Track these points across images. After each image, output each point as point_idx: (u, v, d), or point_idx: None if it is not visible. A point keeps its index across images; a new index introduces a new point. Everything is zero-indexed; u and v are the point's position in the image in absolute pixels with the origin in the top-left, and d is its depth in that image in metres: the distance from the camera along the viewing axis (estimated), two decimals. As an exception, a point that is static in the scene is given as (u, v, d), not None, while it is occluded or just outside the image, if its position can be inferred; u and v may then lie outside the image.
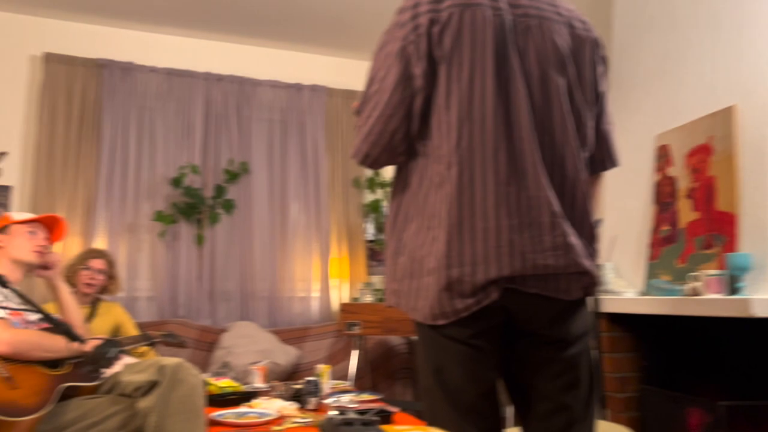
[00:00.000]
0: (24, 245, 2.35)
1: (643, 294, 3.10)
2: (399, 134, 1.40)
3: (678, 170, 3.06)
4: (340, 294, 4.71)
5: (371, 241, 4.93)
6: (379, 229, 4.94)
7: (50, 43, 4.34)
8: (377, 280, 4.88)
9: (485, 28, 1.35)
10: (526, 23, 1.39)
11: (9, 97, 4.26)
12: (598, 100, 1.51)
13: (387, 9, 4.19)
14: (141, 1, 4.12)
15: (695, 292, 2.60)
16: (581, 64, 1.45)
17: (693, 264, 2.84)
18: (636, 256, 3.27)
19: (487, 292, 1.33)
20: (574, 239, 1.37)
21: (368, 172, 4.96)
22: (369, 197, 4.99)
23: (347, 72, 5.03)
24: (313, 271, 4.67)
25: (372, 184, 4.92)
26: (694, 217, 2.92)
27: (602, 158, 1.55)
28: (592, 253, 1.44)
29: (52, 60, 4.24)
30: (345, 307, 3.70)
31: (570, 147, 1.40)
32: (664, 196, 3.12)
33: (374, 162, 1.46)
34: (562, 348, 1.41)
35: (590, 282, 1.42)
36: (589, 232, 1.44)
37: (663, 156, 3.17)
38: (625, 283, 3.20)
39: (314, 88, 4.83)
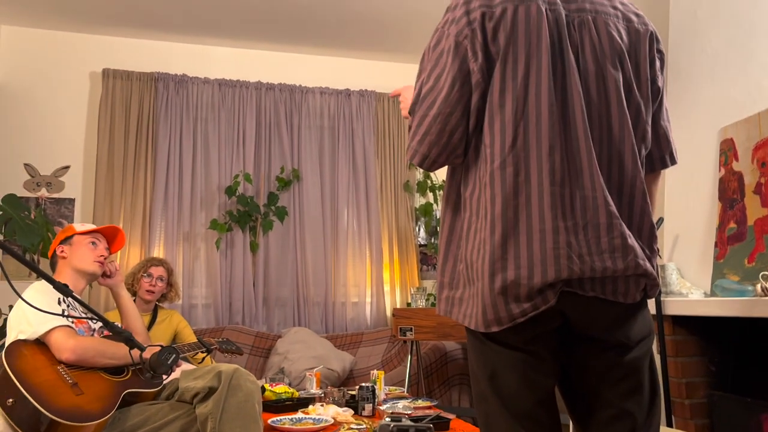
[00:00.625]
0: (86, 255, 2.42)
1: (710, 295, 2.96)
2: (458, 133, 1.36)
3: (744, 165, 2.91)
4: (392, 299, 4.70)
5: (423, 245, 4.90)
6: (431, 232, 4.90)
7: (108, 60, 4.49)
8: (430, 285, 4.84)
9: (539, 24, 1.31)
10: (582, 18, 1.36)
11: (71, 113, 4.42)
12: (656, 96, 1.45)
13: (432, 11, 4.16)
14: (191, 15, 4.21)
15: (766, 293, 2.46)
16: (639, 58, 1.40)
17: (763, 263, 2.70)
18: (701, 255, 3.13)
19: (545, 296, 1.28)
20: (632, 240, 1.32)
21: (419, 176, 4.94)
22: (420, 201, 4.96)
23: (395, 76, 5.02)
24: (365, 276, 4.67)
25: (423, 188, 4.90)
26: (763, 213, 2.77)
27: (661, 155, 1.50)
28: (652, 254, 1.38)
29: (109, 75, 4.38)
30: (398, 312, 3.68)
31: (629, 144, 1.35)
32: (730, 192, 2.98)
33: (433, 163, 1.41)
34: (622, 352, 1.35)
35: (650, 284, 1.36)
36: (648, 232, 1.38)
37: (727, 150, 3.03)
38: (689, 284, 3.07)
39: (362, 93, 4.85)
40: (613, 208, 1.31)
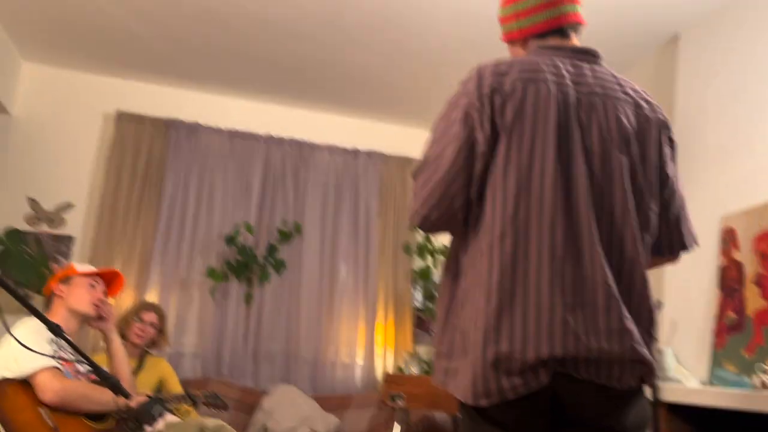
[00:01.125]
0: (84, 297, 2.41)
1: (708, 384, 2.92)
2: (459, 199, 1.37)
3: (745, 255, 2.93)
4: (384, 362, 4.62)
5: (419, 309, 4.85)
6: (428, 296, 4.87)
7: (123, 102, 4.57)
8: (423, 351, 4.77)
9: (548, 102, 1.34)
10: (591, 100, 1.39)
11: (81, 151, 4.47)
12: (666, 183, 1.47)
13: (443, 79, 4.27)
14: (208, 66, 4.32)
15: (765, 386, 2.43)
16: (646, 144, 1.42)
17: (762, 356, 2.67)
18: (699, 342, 3.11)
19: (537, 374, 1.27)
20: (630, 324, 1.31)
21: (419, 238, 4.94)
22: (419, 263, 4.95)
23: (403, 139, 5.10)
24: (358, 336, 4.61)
25: (422, 251, 4.89)
26: (762, 305, 2.76)
27: (670, 244, 1.50)
28: (650, 340, 1.37)
29: (123, 118, 4.45)
30: (389, 378, 3.61)
31: (630, 228, 1.36)
32: (730, 281, 2.98)
33: (432, 226, 1.43)
34: None
35: (646, 371, 1.34)
36: (647, 317, 1.37)
37: (729, 239, 3.05)
38: (687, 371, 3.03)
39: (370, 154, 4.91)
40: (614, 289, 1.30)
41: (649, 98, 1.50)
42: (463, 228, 1.42)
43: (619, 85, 1.45)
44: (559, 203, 1.30)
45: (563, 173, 1.32)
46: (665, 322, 3.34)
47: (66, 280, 2.44)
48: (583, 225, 1.31)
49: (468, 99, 1.38)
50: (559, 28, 1.50)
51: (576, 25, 1.53)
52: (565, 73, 1.40)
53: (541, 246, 1.29)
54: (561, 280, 1.28)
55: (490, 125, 1.34)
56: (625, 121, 1.39)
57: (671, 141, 1.50)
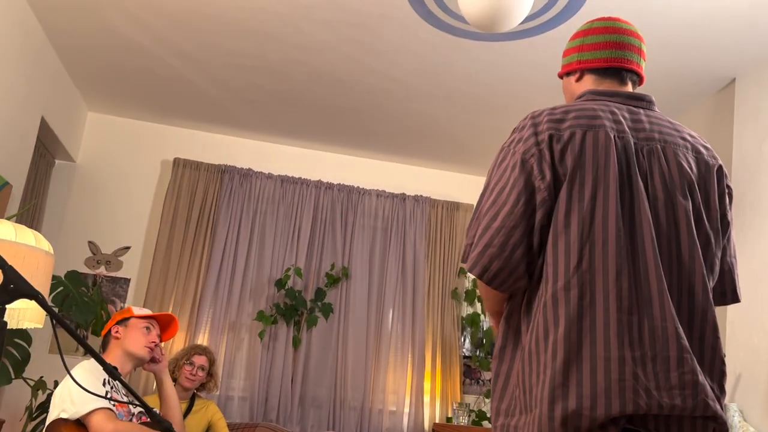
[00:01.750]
0: (139, 340, 2.46)
1: (776, 443, 2.75)
2: (520, 249, 1.31)
3: (813, 306, 2.78)
4: (432, 411, 4.53)
5: (467, 357, 4.77)
6: (477, 344, 4.78)
7: (180, 149, 4.75)
8: (472, 400, 4.67)
9: (608, 149, 1.32)
10: (651, 146, 1.37)
11: (140, 196, 4.64)
12: (727, 230, 1.43)
13: (491, 125, 4.28)
14: (261, 115, 4.45)
15: (842, 449, 2.27)
16: (708, 190, 1.39)
17: (837, 414, 2.50)
18: (766, 398, 2.94)
19: None
20: (702, 378, 1.25)
21: (467, 284, 4.89)
22: (467, 310, 4.88)
23: (449, 184, 5.11)
24: (406, 383, 4.55)
25: (471, 297, 4.83)
26: (835, 359, 2.60)
27: (723, 291, 1.45)
28: (721, 394, 1.31)
29: (179, 164, 4.61)
30: (438, 428, 3.53)
31: (699, 274, 1.31)
32: (798, 333, 2.83)
33: (493, 278, 1.33)
34: None
35: (719, 429, 1.27)
36: (719, 369, 1.31)
37: (795, 289, 2.91)
38: (753, 429, 2.87)
39: (417, 199, 4.93)
40: (685, 341, 1.25)
41: (706, 143, 1.48)
42: (525, 285, 1.35)
43: (677, 130, 1.43)
44: (623, 252, 1.27)
45: (627, 221, 1.29)
46: (729, 375, 3.19)
47: (123, 322, 2.50)
48: (651, 273, 1.27)
49: (525, 146, 1.35)
50: (619, 69, 1.50)
51: (635, 75, 1.53)
52: (621, 119, 1.38)
53: (608, 297, 1.25)
54: (629, 332, 1.24)
55: (551, 173, 1.32)
56: (686, 166, 1.37)
57: (729, 188, 1.47)
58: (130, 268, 4.51)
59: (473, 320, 4.75)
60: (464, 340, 4.80)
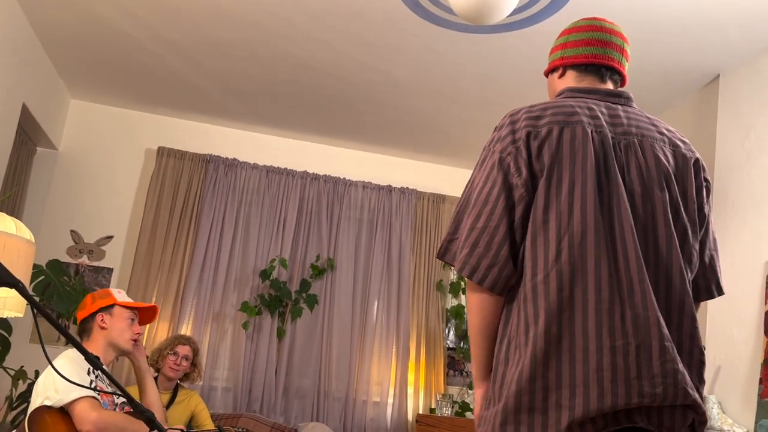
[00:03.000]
0: (125, 332, 2.43)
1: (753, 435, 2.80)
2: (506, 247, 1.33)
3: (792, 300, 2.83)
4: (416, 402, 4.55)
5: (451, 349, 4.79)
6: (461, 336, 4.81)
7: (164, 138, 4.70)
8: (456, 391, 4.70)
9: (585, 144, 1.34)
10: (628, 140, 1.38)
11: (123, 185, 4.59)
12: (704, 223, 1.45)
13: (476, 118, 4.29)
14: (247, 105, 4.42)
15: (817, 440, 2.32)
16: (686, 183, 1.41)
17: (813, 406, 2.55)
18: (744, 390, 2.99)
19: (584, 428, 1.23)
20: (681, 366, 1.27)
21: (452, 276, 4.91)
22: (452, 302, 4.90)
23: (435, 176, 5.12)
24: (390, 375, 4.57)
25: (456, 289, 4.85)
26: (812, 353, 2.65)
27: (707, 285, 1.46)
28: (700, 384, 1.33)
29: (164, 153, 4.57)
30: (421, 419, 3.55)
31: (677, 265, 1.33)
32: (776, 327, 2.88)
33: (483, 277, 1.33)
34: None
35: (698, 420, 1.29)
36: (697, 360, 1.33)
37: (774, 283, 2.95)
38: (731, 421, 2.92)
39: (404, 191, 4.93)
40: (666, 330, 1.27)
41: (683, 138, 1.49)
42: (516, 280, 1.36)
43: (654, 125, 1.44)
44: (602, 243, 1.28)
45: (606, 214, 1.31)
46: (709, 368, 3.23)
47: (108, 309, 2.43)
48: (632, 264, 1.28)
49: (502, 145, 1.38)
50: (599, 66, 1.51)
51: (616, 75, 1.53)
52: (599, 114, 1.40)
53: (587, 288, 1.26)
54: (610, 322, 1.25)
55: (527, 170, 1.34)
56: (663, 160, 1.38)
57: (707, 181, 1.48)
58: (112, 258, 4.47)
59: (457, 312, 4.77)
60: (448, 332, 4.82)
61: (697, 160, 1.45)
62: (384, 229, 4.83)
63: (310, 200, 4.75)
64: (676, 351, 1.27)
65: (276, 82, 4.04)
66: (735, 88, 3.42)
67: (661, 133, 1.43)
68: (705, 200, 1.45)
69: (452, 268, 4.84)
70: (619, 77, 1.55)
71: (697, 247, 1.42)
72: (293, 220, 4.66)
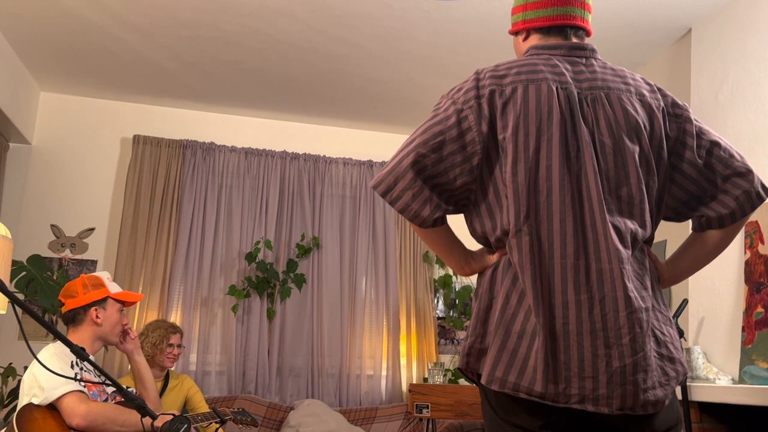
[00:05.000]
0: (117, 326, 2.43)
1: (738, 381, 2.86)
2: (428, 173, 1.32)
3: (770, 248, 2.87)
4: (409, 373, 4.60)
5: (441, 318, 4.83)
6: (449, 305, 4.84)
7: (139, 126, 4.64)
8: (447, 360, 4.74)
9: (551, 101, 1.33)
10: (594, 94, 1.38)
11: (100, 176, 4.54)
12: (708, 152, 1.42)
13: (452, 86, 4.26)
14: (221, 87, 4.36)
15: (799, 382, 2.37)
16: (654, 131, 1.40)
17: (794, 350, 2.61)
18: (728, 339, 3.04)
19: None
20: (645, 315, 1.29)
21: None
22: (439, 272, 4.93)
23: (417, 149, 5.10)
24: (382, 348, 4.60)
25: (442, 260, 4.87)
26: (791, 298, 2.70)
27: (731, 212, 1.41)
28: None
29: (139, 141, 4.51)
30: (414, 388, 3.59)
31: (647, 214, 1.35)
32: (756, 275, 2.92)
33: (396, 199, 1.33)
34: None
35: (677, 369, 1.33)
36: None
37: (752, 233, 2.99)
38: (716, 370, 2.97)
39: (385, 165, 4.91)
40: (632, 281, 1.29)
41: (649, 84, 1.47)
42: (439, 216, 1.36)
43: (619, 76, 1.43)
44: (567, 199, 1.29)
45: (573, 169, 1.31)
46: (692, 319, 3.29)
47: (101, 303, 2.40)
48: (597, 218, 1.29)
49: (465, 96, 1.36)
50: (563, 26, 1.49)
51: (580, 30, 1.51)
52: (564, 71, 1.39)
53: (553, 244, 1.28)
54: (575, 277, 1.27)
55: (487, 126, 1.33)
56: (632, 111, 1.37)
57: (679, 115, 1.43)
58: (95, 250, 4.43)
59: (445, 282, 4.80)
60: (437, 302, 4.85)
61: (662, 108, 1.42)
62: (367, 204, 4.82)
63: (291, 180, 4.72)
64: (640, 301, 1.28)
65: (246, 60, 3.99)
66: (707, 41, 3.42)
67: (627, 84, 1.42)
68: (685, 136, 1.42)
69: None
70: (584, 32, 1.53)
71: (669, 191, 1.43)
72: (275, 200, 4.64)
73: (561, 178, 1.30)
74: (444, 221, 1.41)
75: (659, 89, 1.47)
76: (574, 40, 1.51)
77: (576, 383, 1.24)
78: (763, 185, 1.42)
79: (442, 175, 1.33)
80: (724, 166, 1.42)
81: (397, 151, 1.36)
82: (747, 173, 1.41)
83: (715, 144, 1.43)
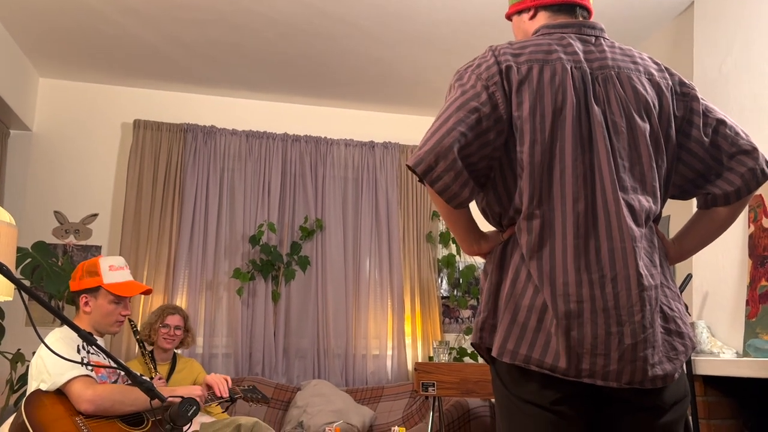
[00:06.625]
0: (108, 317, 2.35)
1: (742, 355, 2.87)
2: (467, 152, 1.29)
3: (774, 221, 2.86)
4: (414, 352, 4.62)
5: (445, 297, 4.84)
6: (453, 284, 4.85)
7: (139, 111, 4.62)
8: (452, 338, 4.77)
9: (565, 82, 1.34)
10: (605, 74, 1.38)
11: (102, 162, 4.53)
12: (714, 131, 1.42)
13: (453, 63, 4.23)
14: (221, 70, 4.34)
15: (803, 354, 2.38)
16: (663, 109, 1.40)
17: (798, 323, 2.61)
18: (732, 313, 3.05)
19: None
20: (655, 293, 1.30)
21: (441, 227, 4.92)
22: (442, 252, 4.93)
23: (418, 128, 5.07)
24: (387, 328, 4.62)
25: (445, 239, 4.88)
26: (796, 271, 2.70)
27: (736, 189, 1.40)
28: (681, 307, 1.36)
29: (140, 126, 4.50)
30: (419, 367, 3.61)
31: (657, 192, 1.36)
32: (760, 249, 2.92)
33: (437, 178, 1.27)
34: (655, 415, 1.32)
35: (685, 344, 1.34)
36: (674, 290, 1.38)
37: (756, 207, 2.98)
38: (720, 343, 2.98)
39: (386, 145, 4.90)
40: (645, 260, 1.30)
41: (657, 62, 1.47)
42: (470, 193, 1.33)
43: (628, 55, 1.43)
44: (580, 180, 1.30)
45: (587, 148, 1.32)
46: (696, 294, 3.29)
47: (93, 292, 2.37)
48: (609, 197, 1.29)
49: (488, 72, 1.34)
50: (573, 5, 1.48)
51: (585, 9, 1.51)
52: (576, 50, 1.39)
53: (565, 224, 1.29)
54: (586, 257, 1.28)
55: (507, 101, 1.32)
56: (641, 90, 1.38)
57: (687, 93, 1.43)
58: (99, 235, 4.44)
59: (449, 261, 4.80)
60: (441, 282, 4.86)
61: (670, 86, 1.43)
62: (370, 185, 4.81)
63: (293, 162, 4.71)
64: (650, 279, 1.29)
65: (245, 42, 3.96)
66: (709, 15, 3.38)
67: (635, 63, 1.42)
68: (692, 115, 1.42)
69: (441, 218, 4.86)
70: (587, 12, 1.52)
71: (677, 169, 1.44)
72: (278, 183, 4.63)
73: (573, 158, 1.31)
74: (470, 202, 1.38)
75: (666, 69, 1.47)
76: (581, 19, 1.50)
77: (588, 359, 1.25)
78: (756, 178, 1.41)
79: (477, 154, 1.31)
80: (730, 144, 1.42)
81: (431, 130, 1.30)
82: (752, 151, 1.42)
83: (721, 122, 1.43)
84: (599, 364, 1.25)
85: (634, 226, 1.29)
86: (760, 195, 2.98)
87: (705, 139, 1.42)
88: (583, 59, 1.38)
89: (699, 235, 1.50)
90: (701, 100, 1.45)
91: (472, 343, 1.42)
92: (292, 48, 4.01)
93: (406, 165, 1.31)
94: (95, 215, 4.46)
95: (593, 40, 1.44)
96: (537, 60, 1.35)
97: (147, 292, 2.49)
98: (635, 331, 1.25)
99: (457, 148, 1.27)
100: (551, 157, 1.31)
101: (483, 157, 1.32)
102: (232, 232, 4.53)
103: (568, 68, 1.35)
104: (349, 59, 4.16)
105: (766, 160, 1.43)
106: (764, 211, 2.94)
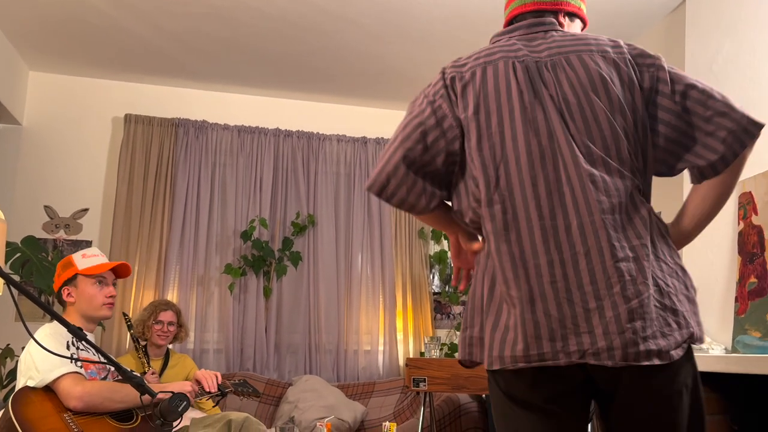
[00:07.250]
0: (94, 299, 2.32)
1: (731, 351, 2.89)
2: (418, 166, 1.39)
3: (763, 219, 2.88)
4: (405, 348, 4.63)
5: (437, 293, 4.85)
6: (445, 280, 4.86)
7: (130, 105, 4.59)
8: (443, 334, 4.78)
9: (508, 76, 1.38)
10: (554, 60, 1.39)
11: (93, 156, 4.51)
12: (683, 96, 1.36)
13: (447, 59, 4.23)
14: (213, 64, 4.32)
15: (791, 350, 2.40)
16: (622, 83, 1.37)
17: (786, 319, 2.63)
18: (721, 310, 3.07)
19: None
20: (632, 264, 1.26)
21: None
22: (434, 248, 4.94)
23: (411, 125, 5.07)
24: (378, 323, 4.63)
25: (437, 235, 4.88)
26: (784, 268, 2.72)
27: (711, 163, 1.34)
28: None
29: (131, 121, 4.47)
30: (411, 362, 3.62)
31: (632, 164, 1.34)
32: (750, 246, 2.94)
33: (391, 196, 1.41)
34: (662, 404, 1.29)
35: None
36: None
37: (746, 203, 3.00)
38: (709, 339, 3.00)
39: (379, 141, 4.90)
40: (614, 229, 1.27)
41: (615, 40, 1.44)
42: (436, 202, 1.42)
43: (579, 39, 1.43)
44: (537, 163, 1.32)
45: (544, 133, 1.33)
46: (686, 291, 3.30)
47: (71, 281, 2.34)
48: (572, 174, 1.29)
49: (434, 89, 1.44)
50: (523, 16, 1.51)
51: (547, 14, 1.49)
52: (521, 47, 1.42)
53: (528, 207, 1.30)
54: (555, 236, 1.28)
55: (459, 106, 1.39)
56: (593, 66, 1.36)
57: (651, 65, 1.39)
58: (90, 230, 4.42)
59: (440, 257, 4.81)
60: (433, 277, 4.87)
61: (627, 59, 1.39)
62: (362, 181, 4.81)
63: (285, 157, 4.70)
64: (627, 251, 1.27)
65: (238, 37, 3.94)
66: (701, 12, 3.39)
67: (588, 44, 1.41)
68: (657, 85, 1.37)
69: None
70: (553, 14, 1.50)
71: (664, 144, 1.37)
72: (270, 178, 4.62)
73: (527, 143, 1.33)
74: (439, 205, 1.46)
75: (628, 45, 1.43)
76: (531, 19, 1.50)
77: (573, 339, 1.24)
78: (751, 120, 1.32)
79: (431, 164, 1.40)
80: (704, 108, 1.34)
81: (383, 152, 1.44)
82: (729, 111, 1.33)
83: (691, 86, 1.37)
84: (586, 343, 1.23)
85: (603, 198, 1.28)
86: (750, 192, 3.00)
87: (676, 106, 1.36)
88: (528, 53, 1.41)
89: (696, 212, 1.41)
90: (669, 69, 1.39)
91: (460, 361, 1.41)
92: (286, 43, 4.00)
93: (365, 188, 1.45)
94: (86, 210, 4.43)
95: (542, 35, 1.46)
96: (479, 64, 1.41)
97: (124, 268, 2.43)
98: (615, 302, 1.23)
99: (407, 164, 1.38)
100: (503, 148, 1.34)
101: (442, 163, 1.41)
102: (224, 227, 4.52)
103: (511, 63, 1.39)
104: (342, 55, 4.15)
105: (748, 118, 1.32)
106: (754, 208, 2.96)
